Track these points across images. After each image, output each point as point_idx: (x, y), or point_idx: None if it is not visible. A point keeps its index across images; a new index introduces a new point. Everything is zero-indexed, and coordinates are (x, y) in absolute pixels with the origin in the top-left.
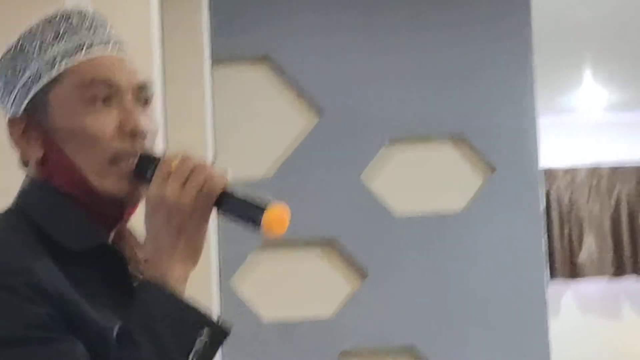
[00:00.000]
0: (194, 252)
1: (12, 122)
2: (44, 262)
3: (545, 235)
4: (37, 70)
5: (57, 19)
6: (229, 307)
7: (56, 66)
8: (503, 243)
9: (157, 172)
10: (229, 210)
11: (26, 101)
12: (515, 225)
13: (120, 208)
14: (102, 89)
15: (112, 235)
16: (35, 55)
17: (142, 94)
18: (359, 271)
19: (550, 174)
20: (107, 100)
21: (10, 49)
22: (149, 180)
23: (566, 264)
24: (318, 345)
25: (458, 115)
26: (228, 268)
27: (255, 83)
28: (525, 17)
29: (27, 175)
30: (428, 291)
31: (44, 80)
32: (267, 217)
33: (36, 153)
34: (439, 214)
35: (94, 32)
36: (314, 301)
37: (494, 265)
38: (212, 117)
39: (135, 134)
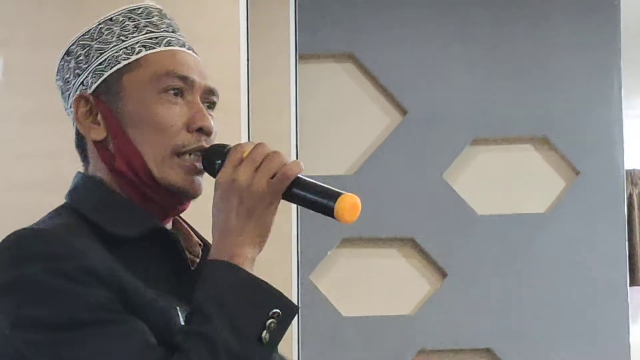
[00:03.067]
0: (262, 235)
1: (79, 101)
2: (95, 247)
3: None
4: (114, 55)
5: (139, 12)
6: (308, 301)
7: (135, 52)
8: (585, 246)
9: (229, 158)
10: (301, 197)
11: (98, 82)
12: (598, 228)
13: (176, 199)
14: (176, 82)
15: (168, 224)
16: (114, 41)
17: (209, 98)
18: (439, 270)
19: (632, 175)
20: (179, 94)
21: (87, 33)
22: (218, 170)
23: None
24: (396, 341)
25: (542, 117)
26: (308, 263)
27: (340, 80)
28: (613, 20)
29: (78, 172)
30: (508, 292)
31: (121, 64)
32: (341, 204)
33: (98, 134)
34: (521, 215)
35: (172, 32)
36: (394, 298)
37: (575, 268)
38: (296, 113)
39: (202, 131)
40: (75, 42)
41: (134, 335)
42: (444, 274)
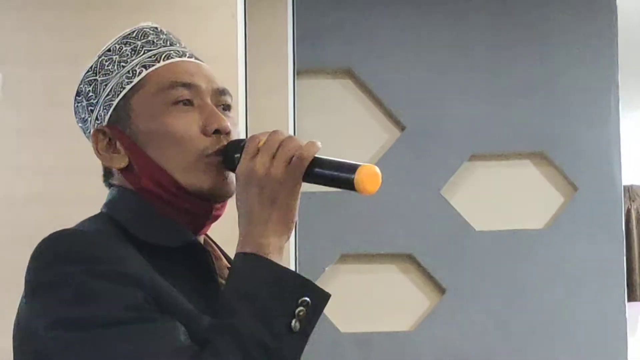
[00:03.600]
0: (287, 223)
1: (96, 135)
2: (131, 253)
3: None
4: (118, 83)
5: (134, 35)
6: None
7: (136, 74)
8: (583, 261)
9: (245, 149)
10: (321, 175)
11: (109, 113)
12: (596, 244)
13: (209, 203)
14: (182, 91)
15: (201, 238)
16: (115, 70)
17: (221, 99)
18: (438, 286)
19: (630, 191)
20: (188, 102)
21: (90, 69)
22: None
23: None
24: (395, 358)
25: (540, 133)
26: None
27: (338, 95)
28: (610, 36)
29: (113, 185)
30: (506, 308)
31: (126, 89)
32: (359, 175)
33: (121, 162)
34: (520, 231)
35: (170, 44)
36: (392, 315)
37: (573, 283)
38: (294, 128)
39: (219, 132)
40: (82, 81)
41: (169, 333)
42: (442, 290)
